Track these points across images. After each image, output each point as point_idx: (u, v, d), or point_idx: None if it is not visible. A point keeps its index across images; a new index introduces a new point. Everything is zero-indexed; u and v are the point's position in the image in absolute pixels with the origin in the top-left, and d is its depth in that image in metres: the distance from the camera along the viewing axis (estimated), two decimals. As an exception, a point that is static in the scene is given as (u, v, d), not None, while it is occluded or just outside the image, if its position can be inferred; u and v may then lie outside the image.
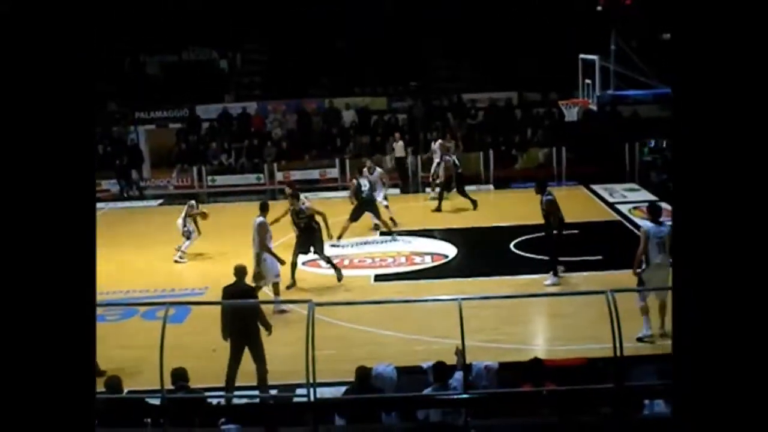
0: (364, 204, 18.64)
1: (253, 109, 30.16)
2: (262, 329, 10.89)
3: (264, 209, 14.53)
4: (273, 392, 10.70)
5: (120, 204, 25.89)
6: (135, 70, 32.21)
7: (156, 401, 8.63)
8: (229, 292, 11.35)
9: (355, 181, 19.33)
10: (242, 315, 10.91)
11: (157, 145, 29.42)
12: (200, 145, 28.84)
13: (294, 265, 15.33)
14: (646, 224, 12.43)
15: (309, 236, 15.33)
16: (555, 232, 14.92)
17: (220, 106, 30.14)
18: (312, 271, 16.74)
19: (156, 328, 8.48)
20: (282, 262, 14.21)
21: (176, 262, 17.91)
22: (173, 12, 31.50)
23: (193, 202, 18.71)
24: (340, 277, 15.41)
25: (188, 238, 18.03)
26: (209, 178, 27.49)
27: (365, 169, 19.75)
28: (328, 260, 15.65)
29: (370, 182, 19.02)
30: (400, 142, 26.74)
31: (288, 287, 14.99)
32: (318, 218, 15.67)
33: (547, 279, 15.05)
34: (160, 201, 26.24)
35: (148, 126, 29.65)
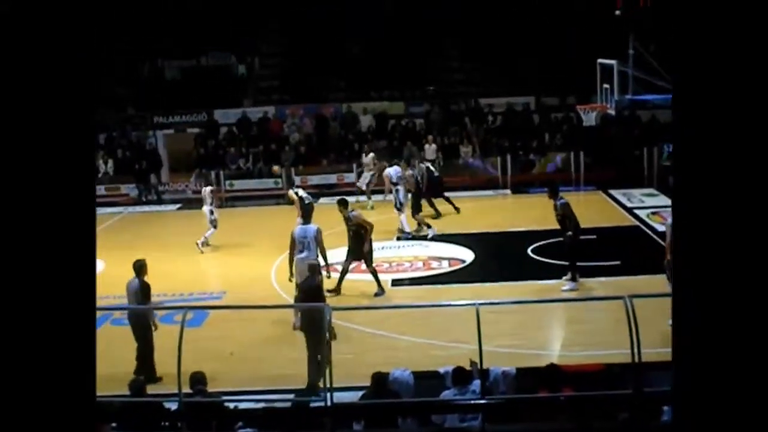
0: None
1: (271, 113, 30.26)
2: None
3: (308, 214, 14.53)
4: (290, 396, 10.71)
5: (138, 208, 26.03)
6: (153, 74, 32.40)
7: (173, 405, 8.66)
8: (302, 287, 11.78)
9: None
10: (311, 313, 11.06)
11: (175, 150, 29.55)
12: (218, 150, 28.95)
13: (344, 272, 15.23)
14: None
15: (357, 244, 15.17)
16: (570, 234, 14.86)
17: (238, 111, 30.26)
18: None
19: (174, 332, 8.51)
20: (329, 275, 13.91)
21: (200, 248, 18.17)
22: (191, 17, 31.67)
23: (209, 189, 19.00)
24: (379, 293, 15.00)
25: (214, 227, 18.22)
26: (227, 182, 27.58)
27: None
28: (374, 272, 15.24)
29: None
30: (433, 146, 26.70)
31: (329, 291, 14.33)
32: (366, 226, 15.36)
33: (565, 285, 15.00)
34: (178, 205, 26.34)
35: (167, 130, 29.80)
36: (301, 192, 17.99)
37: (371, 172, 23.72)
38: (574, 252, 15.07)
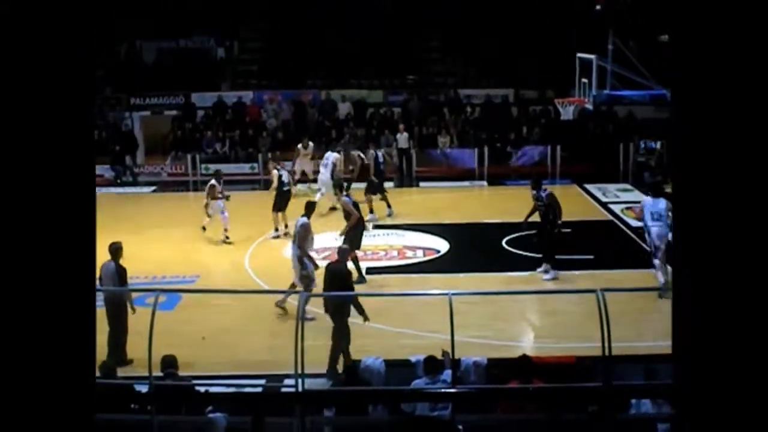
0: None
1: (248, 98, 30.10)
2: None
3: (309, 209, 13.97)
4: (261, 382, 10.71)
5: (113, 189, 25.82)
6: (131, 56, 32.11)
7: (144, 388, 8.63)
8: (330, 269, 11.79)
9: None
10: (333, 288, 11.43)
11: (151, 132, 29.35)
12: (195, 133, 28.77)
13: (354, 260, 14.81)
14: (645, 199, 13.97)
15: (354, 231, 15.11)
16: (553, 225, 14.97)
17: (215, 95, 30.07)
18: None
19: (146, 315, 8.48)
20: (316, 266, 13.28)
21: (226, 241, 18.15)
22: (170, -1, 31.40)
23: (213, 182, 18.63)
24: (360, 280, 14.72)
25: (222, 212, 18.14)
26: (203, 166, 27.40)
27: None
28: (354, 259, 14.89)
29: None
30: (405, 134, 26.58)
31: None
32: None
33: (546, 274, 15.08)
34: (153, 188, 26.20)
35: (144, 112, 29.56)
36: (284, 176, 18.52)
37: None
38: (554, 242, 15.15)
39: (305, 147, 23.58)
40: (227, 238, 18.16)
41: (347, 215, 15.22)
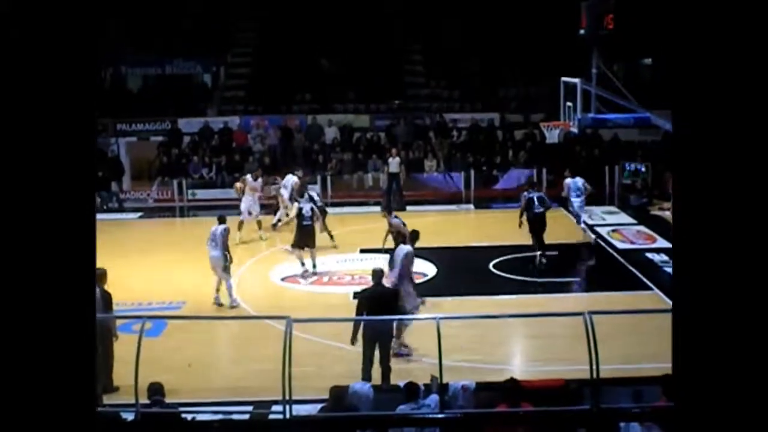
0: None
1: (235, 123, 30.11)
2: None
3: (414, 238, 13.81)
4: (248, 409, 10.64)
5: (99, 216, 25.68)
6: (117, 81, 32.10)
7: (130, 416, 8.56)
8: (368, 294, 11.77)
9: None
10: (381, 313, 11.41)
11: (137, 158, 29.28)
12: (181, 159, 28.74)
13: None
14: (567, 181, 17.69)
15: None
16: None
17: (202, 120, 30.07)
18: (290, 287, 16.70)
19: (132, 341, 8.42)
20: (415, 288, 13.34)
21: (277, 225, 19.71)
22: (157, 24, 31.44)
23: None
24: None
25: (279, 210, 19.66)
26: (189, 191, 27.36)
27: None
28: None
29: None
30: (397, 158, 25.93)
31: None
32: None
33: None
34: (139, 214, 26.10)
35: (130, 138, 29.49)
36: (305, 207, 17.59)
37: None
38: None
39: (255, 179, 21.83)
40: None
41: (397, 235, 15.41)
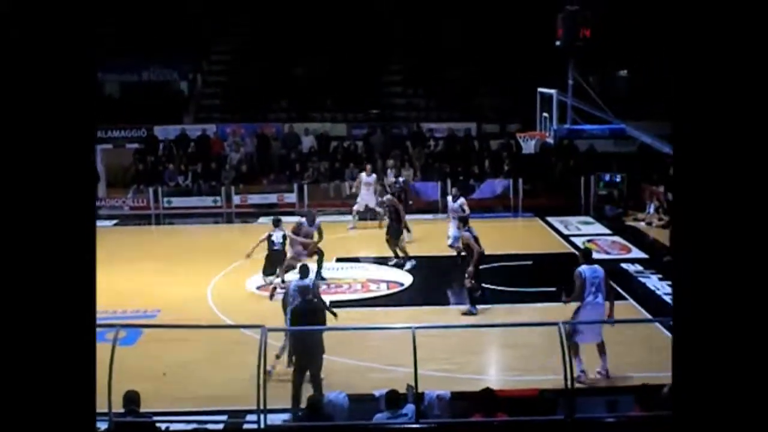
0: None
1: (211, 131, 29.99)
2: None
3: (588, 257, 13.21)
4: (223, 418, 10.59)
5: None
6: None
7: (103, 425, 8.49)
8: (298, 309, 11.60)
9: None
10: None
11: (113, 165, 29.07)
12: (157, 166, 28.61)
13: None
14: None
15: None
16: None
17: (178, 128, 29.93)
18: (266, 295, 16.64)
19: (106, 350, 8.37)
20: None
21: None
22: (133, 31, 31.29)
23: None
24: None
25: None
26: (165, 199, 27.23)
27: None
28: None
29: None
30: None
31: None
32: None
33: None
34: (114, 221, 25.92)
35: (105, 145, 29.28)
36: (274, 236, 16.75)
37: None
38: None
39: (368, 174, 23.61)
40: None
41: (467, 248, 15.27)
